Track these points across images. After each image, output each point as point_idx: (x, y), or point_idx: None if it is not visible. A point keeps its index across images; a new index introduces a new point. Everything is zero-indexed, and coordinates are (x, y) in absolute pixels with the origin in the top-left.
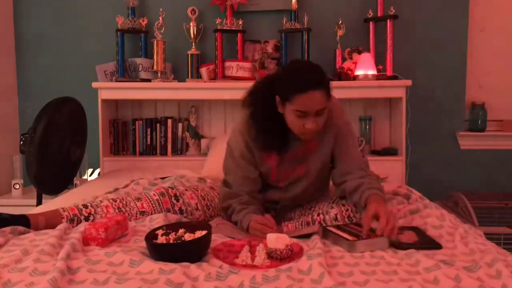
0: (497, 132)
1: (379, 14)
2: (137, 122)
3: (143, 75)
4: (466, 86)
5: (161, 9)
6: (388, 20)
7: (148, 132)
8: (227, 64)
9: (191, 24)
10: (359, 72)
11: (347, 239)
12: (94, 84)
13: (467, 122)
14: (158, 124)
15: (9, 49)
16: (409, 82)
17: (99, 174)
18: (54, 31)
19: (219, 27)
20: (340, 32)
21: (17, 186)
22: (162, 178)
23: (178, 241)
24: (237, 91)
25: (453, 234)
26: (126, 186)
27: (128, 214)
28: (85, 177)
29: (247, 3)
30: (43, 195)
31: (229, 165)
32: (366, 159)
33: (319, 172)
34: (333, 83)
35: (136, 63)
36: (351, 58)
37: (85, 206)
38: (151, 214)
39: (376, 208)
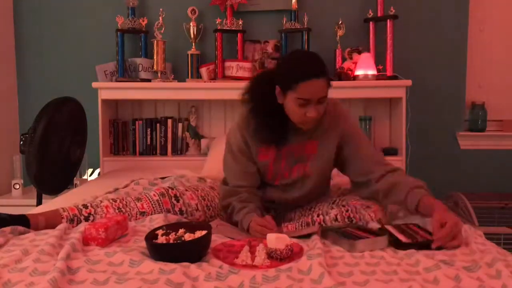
0: (497, 132)
1: (379, 14)
2: (137, 122)
3: (143, 75)
4: (466, 86)
5: (161, 9)
6: (388, 20)
7: (148, 132)
8: (227, 64)
9: (191, 24)
10: (359, 72)
11: (347, 239)
12: (94, 84)
13: (467, 122)
14: (158, 124)
15: (9, 49)
16: (409, 82)
17: (99, 174)
18: (54, 31)
19: (219, 27)
20: (340, 32)
21: (17, 186)
22: (162, 178)
23: (178, 241)
24: (237, 91)
25: None
26: (126, 186)
27: (128, 214)
28: (85, 177)
29: (247, 3)
30: (43, 195)
31: (228, 160)
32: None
33: (319, 176)
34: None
35: (136, 63)
36: (351, 58)
37: (85, 206)
38: (151, 214)
39: (444, 217)
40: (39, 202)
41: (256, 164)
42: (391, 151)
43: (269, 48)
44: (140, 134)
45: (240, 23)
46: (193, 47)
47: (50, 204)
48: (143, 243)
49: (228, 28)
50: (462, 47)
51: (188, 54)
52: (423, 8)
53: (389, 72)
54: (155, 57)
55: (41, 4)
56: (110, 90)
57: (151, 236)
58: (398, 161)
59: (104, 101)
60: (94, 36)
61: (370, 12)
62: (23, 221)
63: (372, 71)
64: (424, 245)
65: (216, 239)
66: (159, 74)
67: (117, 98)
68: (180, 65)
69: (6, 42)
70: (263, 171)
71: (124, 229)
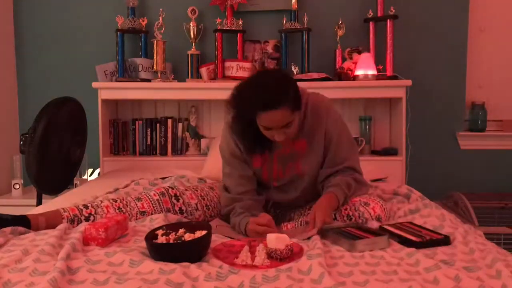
0: (497, 132)
1: (379, 14)
2: (137, 122)
3: (143, 75)
4: (466, 86)
5: (161, 9)
6: (388, 20)
7: (148, 132)
8: (227, 64)
9: (191, 24)
10: (359, 72)
11: (347, 239)
12: (94, 84)
13: (467, 122)
14: (158, 124)
15: (9, 49)
16: (409, 82)
17: (99, 174)
18: (54, 31)
19: (219, 27)
20: (340, 32)
21: (17, 186)
22: (162, 178)
23: (178, 241)
24: None
25: (453, 234)
26: (126, 186)
27: (129, 214)
28: (85, 177)
29: (247, 3)
30: (43, 195)
31: (225, 168)
32: (356, 157)
33: (313, 175)
34: (333, 83)
35: (136, 63)
36: (351, 58)
37: (86, 206)
38: (151, 214)
39: (314, 212)
40: (39, 202)
41: (251, 169)
42: (391, 151)
43: (269, 48)
44: (140, 134)
45: (240, 23)
46: (193, 47)
47: (50, 204)
48: (143, 243)
49: (228, 28)
50: (462, 47)
51: (188, 54)
52: (423, 8)
53: (389, 72)
54: (155, 57)
55: (41, 4)
56: (110, 90)
57: (151, 236)
58: (398, 161)
59: (104, 101)
60: (94, 36)
61: (370, 12)
62: (23, 222)
63: (372, 71)
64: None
65: (216, 239)
66: (159, 74)
67: (117, 98)
68: (180, 65)
69: (6, 42)
70: (258, 175)
71: (124, 229)
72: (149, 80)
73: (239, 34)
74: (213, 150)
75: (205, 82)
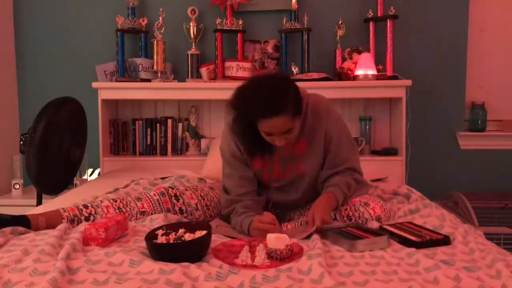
0: (497, 132)
1: (379, 14)
2: (137, 122)
3: (143, 75)
4: (466, 86)
5: (161, 9)
6: (388, 20)
7: (148, 132)
8: (227, 64)
9: (191, 24)
10: (359, 72)
11: (347, 239)
12: (94, 84)
13: (467, 122)
14: (158, 124)
15: (9, 49)
16: (409, 82)
17: (99, 174)
18: (54, 31)
19: (219, 27)
20: (340, 32)
21: (17, 186)
22: (162, 178)
23: (178, 241)
24: None
25: (453, 234)
26: (126, 186)
27: (129, 214)
28: (85, 177)
29: (247, 3)
30: (43, 195)
31: (225, 169)
32: (356, 157)
33: (313, 176)
34: (333, 83)
35: (136, 63)
36: (351, 58)
37: (86, 206)
38: (152, 214)
39: (313, 212)
40: (39, 202)
41: (252, 170)
42: (391, 151)
43: (269, 48)
44: (140, 134)
45: (240, 23)
46: (193, 47)
47: (50, 204)
48: (143, 243)
49: (228, 28)
50: (462, 47)
51: (188, 54)
52: (423, 8)
53: (389, 72)
54: (155, 57)
55: (41, 4)
56: (110, 90)
57: (151, 236)
58: (398, 161)
59: (104, 101)
60: (94, 36)
61: (370, 12)
62: (24, 222)
63: (372, 71)
64: (437, 243)
65: (216, 239)
66: (159, 74)
67: (117, 98)
68: (180, 65)
69: (6, 42)
70: (258, 176)
71: (124, 229)
72: (149, 80)
73: (239, 34)
74: (213, 150)
75: (205, 82)
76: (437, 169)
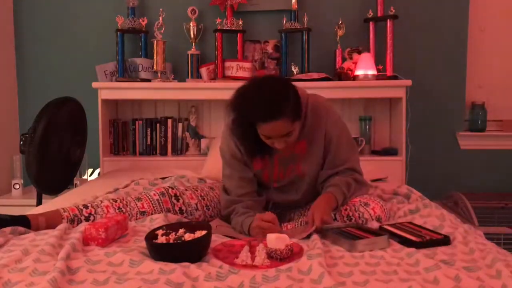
0: (497, 132)
1: (379, 14)
2: (137, 122)
3: (143, 75)
4: (466, 86)
5: (161, 9)
6: (388, 20)
7: (148, 132)
8: (227, 64)
9: (191, 24)
10: (359, 72)
11: (347, 239)
12: (94, 84)
13: (467, 122)
14: (158, 124)
15: (9, 49)
16: (409, 82)
17: (99, 174)
18: (54, 31)
19: (219, 27)
20: (340, 32)
21: (17, 186)
22: (162, 178)
23: (178, 241)
24: None
25: (453, 234)
26: (126, 186)
27: (129, 214)
28: (85, 177)
29: (247, 3)
30: (43, 195)
31: (225, 170)
32: (356, 157)
33: (313, 176)
34: (333, 83)
35: (136, 63)
36: (351, 58)
37: (86, 206)
38: (152, 214)
39: (313, 212)
40: (39, 202)
41: (252, 170)
42: (391, 151)
43: (269, 48)
44: (140, 134)
45: (240, 23)
46: (193, 47)
47: (50, 204)
48: (143, 243)
49: (228, 28)
50: (462, 47)
51: (188, 54)
52: (423, 8)
53: (389, 72)
54: (155, 57)
55: (41, 4)
56: (110, 90)
57: (151, 236)
58: (398, 161)
59: (104, 101)
60: (94, 36)
61: (370, 12)
62: (23, 222)
63: (372, 71)
64: (437, 243)
65: (216, 239)
66: (159, 74)
67: (117, 98)
68: (180, 65)
69: (6, 42)
70: (258, 177)
71: (124, 229)
72: (149, 80)
73: (239, 34)
74: (213, 150)
75: (205, 82)
76: (437, 169)
